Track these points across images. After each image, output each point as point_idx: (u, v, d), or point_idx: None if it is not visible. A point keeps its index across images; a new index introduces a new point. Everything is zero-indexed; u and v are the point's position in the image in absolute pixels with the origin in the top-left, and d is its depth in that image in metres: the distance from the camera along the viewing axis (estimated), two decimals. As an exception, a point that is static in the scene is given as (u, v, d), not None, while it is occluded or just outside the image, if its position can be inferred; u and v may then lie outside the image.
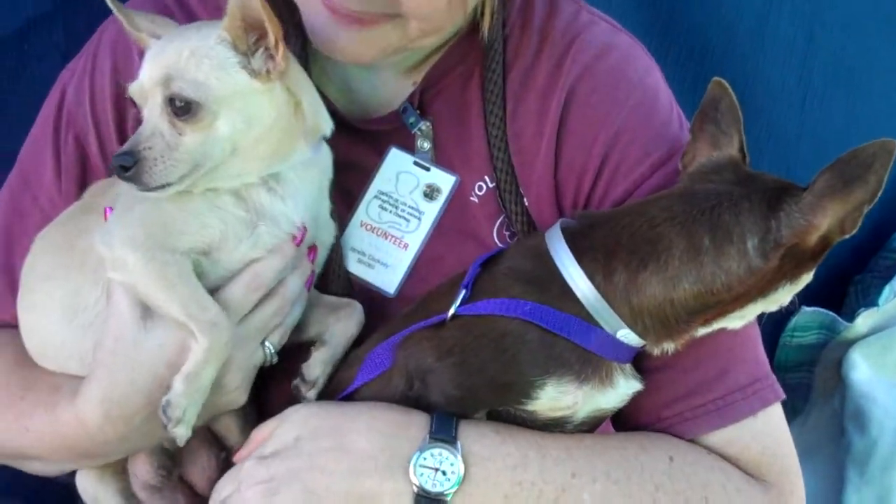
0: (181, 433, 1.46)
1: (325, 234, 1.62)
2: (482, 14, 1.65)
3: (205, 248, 1.49)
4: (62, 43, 2.01)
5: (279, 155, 1.52)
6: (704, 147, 1.53)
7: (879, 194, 1.39)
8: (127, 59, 1.70)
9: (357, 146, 1.68)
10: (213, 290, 1.50)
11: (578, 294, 1.46)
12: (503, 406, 1.49)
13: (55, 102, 1.77)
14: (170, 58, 1.47)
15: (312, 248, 1.59)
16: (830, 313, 2.30)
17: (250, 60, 1.47)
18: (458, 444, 1.44)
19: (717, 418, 1.58)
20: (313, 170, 1.57)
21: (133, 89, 1.50)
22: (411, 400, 1.49)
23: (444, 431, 1.45)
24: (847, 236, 1.43)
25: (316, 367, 1.57)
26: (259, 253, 1.52)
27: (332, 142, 1.62)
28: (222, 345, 1.46)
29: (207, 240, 1.49)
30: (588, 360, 1.46)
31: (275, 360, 1.55)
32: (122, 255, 1.47)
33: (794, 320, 2.32)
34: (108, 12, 1.56)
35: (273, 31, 1.44)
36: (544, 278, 1.48)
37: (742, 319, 1.51)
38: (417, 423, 1.46)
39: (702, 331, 1.50)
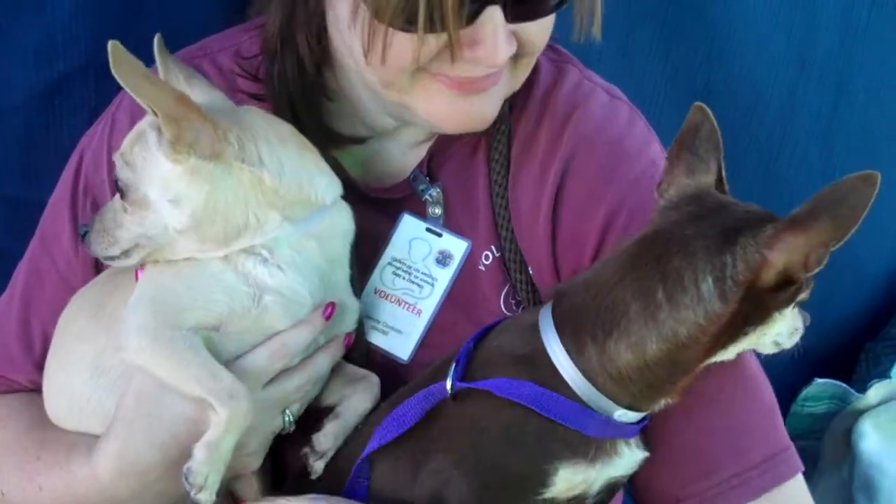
0: (204, 499, 1.46)
1: (348, 305, 1.62)
2: None
3: (214, 322, 1.50)
4: (92, 99, 2.03)
5: (240, 231, 1.51)
6: (680, 176, 1.47)
7: (853, 229, 1.27)
8: None
9: (370, 214, 1.69)
10: (233, 360, 1.51)
11: (566, 377, 1.42)
12: (524, 499, 1.46)
13: (74, 167, 1.80)
14: (129, 136, 1.52)
15: (349, 335, 1.60)
16: (842, 385, 2.31)
17: (166, 139, 1.46)
18: None
19: (734, 497, 1.58)
20: (310, 241, 1.55)
21: (114, 157, 1.54)
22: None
23: None
24: (811, 273, 1.33)
25: (327, 439, 1.57)
26: (277, 323, 1.53)
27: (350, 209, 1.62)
28: (242, 414, 1.46)
29: (216, 314, 1.50)
30: (594, 440, 1.44)
31: (293, 428, 1.57)
32: (131, 341, 1.49)
33: (806, 390, 2.33)
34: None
35: (149, 104, 1.44)
36: (535, 357, 1.45)
37: (730, 353, 1.45)
38: None
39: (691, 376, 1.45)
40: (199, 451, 1.46)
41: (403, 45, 1.46)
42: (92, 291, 1.67)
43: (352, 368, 1.64)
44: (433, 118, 1.59)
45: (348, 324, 1.62)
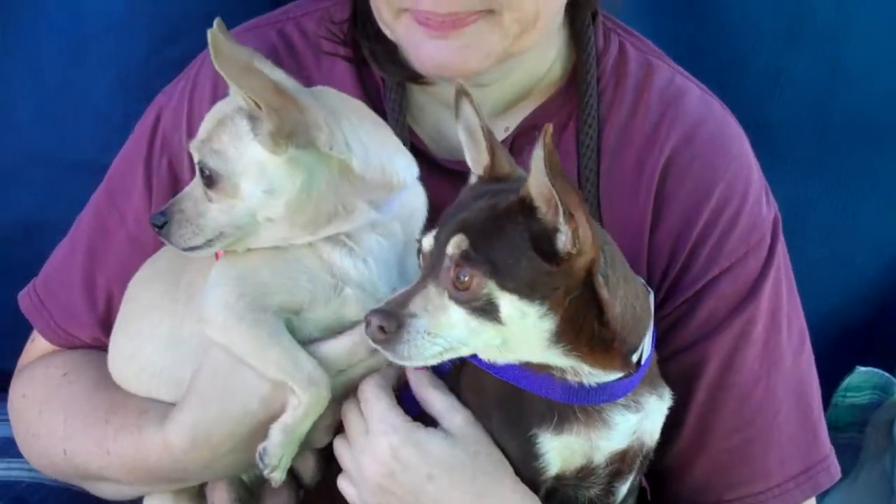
0: (277, 478, 1.50)
1: None
2: (577, 59, 1.70)
3: (296, 308, 1.52)
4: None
5: (329, 218, 1.52)
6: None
7: None
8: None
9: (445, 189, 1.67)
10: (309, 344, 1.52)
11: None
12: (532, 476, 1.48)
13: (150, 123, 1.79)
14: (209, 122, 1.51)
15: None
16: (885, 374, 2.31)
17: (267, 130, 1.46)
18: None
19: None
20: (393, 224, 1.56)
21: (190, 146, 1.53)
22: None
23: None
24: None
25: None
26: (353, 314, 1.53)
27: (422, 184, 1.64)
28: (321, 401, 1.49)
29: (298, 300, 1.51)
30: (557, 406, 1.44)
31: None
32: (216, 317, 1.51)
33: (848, 380, 2.33)
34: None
35: (249, 96, 1.44)
36: None
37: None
38: None
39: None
40: (275, 433, 1.49)
41: None
42: (164, 260, 1.68)
43: None
44: (413, 57, 1.61)
45: None
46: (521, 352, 1.41)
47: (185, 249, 1.53)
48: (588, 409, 1.45)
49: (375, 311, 1.36)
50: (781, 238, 1.74)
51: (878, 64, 2.32)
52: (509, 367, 1.44)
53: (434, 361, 1.39)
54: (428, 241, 1.40)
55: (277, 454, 1.49)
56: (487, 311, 1.34)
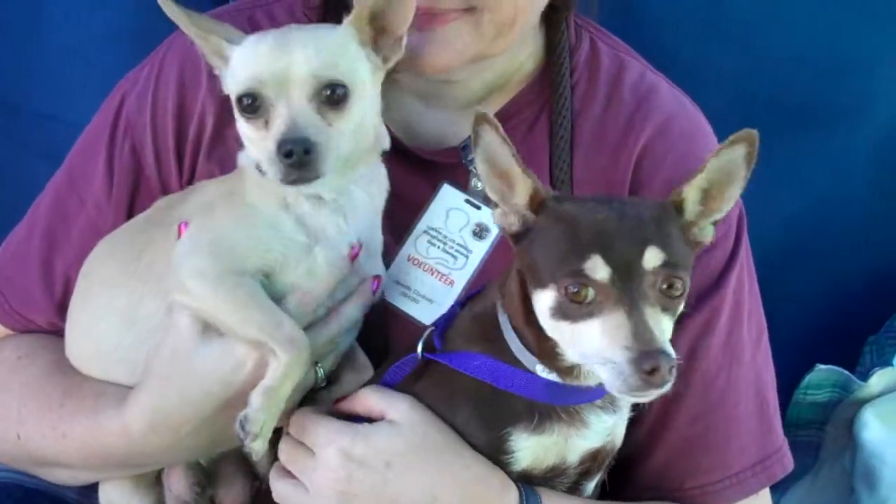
0: (258, 447, 1.48)
1: (378, 266, 1.63)
2: (550, 54, 1.71)
3: (268, 270, 1.52)
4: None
5: (363, 157, 1.56)
6: None
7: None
8: (195, 72, 1.71)
9: (411, 177, 1.71)
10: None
11: (504, 333, 1.47)
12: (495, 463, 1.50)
13: (114, 107, 1.77)
14: (307, 46, 1.48)
15: (377, 278, 1.61)
16: (844, 372, 2.32)
17: (371, 54, 1.52)
18: None
19: (732, 493, 1.71)
20: (373, 185, 1.60)
21: (264, 78, 1.46)
22: None
23: None
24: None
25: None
26: (322, 273, 1.54)
27: (390, 171, 1.65)
28: (302, 358, 1.48)
29: (271, 262, 1.51)
30: (538, 406, 1.46)
31: (324, 383, 1.57)
32: (192, 284, 1.50)
33: (808, 378, 2.34)
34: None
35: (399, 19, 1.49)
36: (486, 314, 1.50)
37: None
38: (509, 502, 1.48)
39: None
40: (256, 398, 1.47)
41: None
42: (123, 239, 1.66)
43: (358, 355, 1.65)
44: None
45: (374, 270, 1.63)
46: None
47: (311, 180, 1.46)
48: (569, 409, 1.47)
49: (657, 355, 1.27)
50: (746, 233, 1.78)
51: (796, 52, 2.34)
52: (487, 368, 1.46)
53: None
54: (601, 270, 1.31)
55: (259, 420, 1.47)
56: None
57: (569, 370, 1.43)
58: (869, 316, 2.49)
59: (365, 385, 1.58)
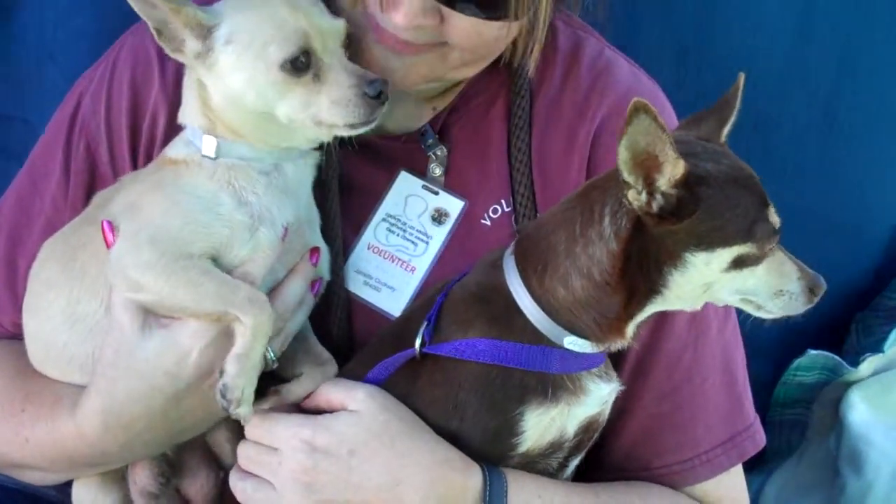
0: (244, 412, 1.49)
1: (316, 239, 1.63)
2: (514, 43, 1.68)
3: (214, 252, 1.52)
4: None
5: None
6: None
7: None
8: (147, 71, 1.71)
9: (367, 167, 1.70)
10: None
11: (522, 306, 1.47)
12: (502, 456, 1.51)
13: (70, 108, 1.78)
14: (315, 4, 1.54)
15: (315, 250, 1.60)
16: (835, 357, 2.29)
17: None
18: None
19: (702, 472, 1.70)
20: (310, 158, 1.61)
21: (312, 36, 1.51)
22: None
23: (497, 500, 1.49)
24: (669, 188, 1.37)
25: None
26: (266, 247, 1.54)
27: (344, 161, 1.64)
28: (266, 319, 1.48)
29: (215, 244, 1.51)
30: (550, 378, 1.47)
31: (275, 365, 1.56)
32: (140, 278, 1.49)
33: (798, 361, 2.32)
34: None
35: None
36: (498, 300, 1.49)
37: (677, 302, 1.48)
38: (473, 488, 1.49)
39: (638, 319, 1.49)
40: (230, 366, 1.48)
41: None
42: (59, 241, 1.67)
43: (319, 350, 1.64)
44: (362, 59, 1.61)
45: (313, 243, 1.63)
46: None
47: (373, 122, 1.55)
48: (573, 377, 1.49)
49: (818, 277, 1.50)
50: None
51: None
52: (495, 350, 1.47)
53: None
54: (775, 218, 1.46)
55: (238, 386, 1.47)
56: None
57: (621, 334, 1.47)
58: (857, 293, 2.46)
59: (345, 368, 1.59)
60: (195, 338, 1.49)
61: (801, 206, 2.32)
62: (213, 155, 1.55)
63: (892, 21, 2.26)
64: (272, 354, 1.54)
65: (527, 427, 1.48)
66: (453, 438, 1.51)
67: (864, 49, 2.26)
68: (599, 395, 1.52)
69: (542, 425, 1.49)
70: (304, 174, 1.60)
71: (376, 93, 1.51)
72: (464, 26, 1.54)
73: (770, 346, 2.38)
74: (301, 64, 1.50)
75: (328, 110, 1.51)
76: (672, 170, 1.36)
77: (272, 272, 1.55)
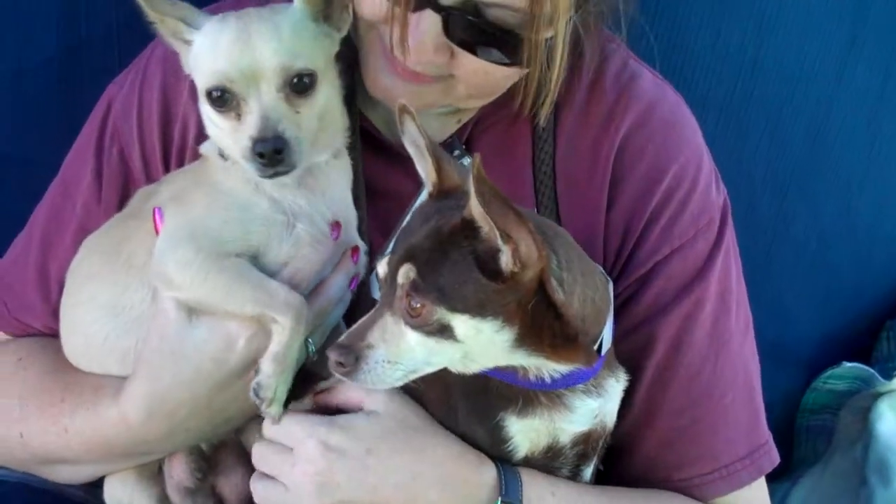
0: (274, 412, 1.50)
1: (355, 237, 1.64)
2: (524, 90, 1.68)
3: (253, 251, 1.53)
4: (116, 67, 1.95)
5: (334, 137, 1.58)
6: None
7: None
8: (177, 76, 1.71)
9: (396, 173, 1.71)
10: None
11: None
12: (501, 456, 1.51)
13: (101, 114, 1.79)
14: (271, 39, 1.48)
15: (355, 249, 1.61)
16: (870, 369, 2.30)
17: (325, 26, 1.52)
18: None
19: (721, 486, 1.70)
20: (343, 160, 1.61)
21: (232, 75, 1.47)
22: None
23: (512, 495, 1.50)
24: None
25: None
26: (306, 246, 1.55)
27: (372, 167, 1.66)
28: (302, 320, 1.49)
29: (254, 243, 1.53)
30: (521, 391, 1.47)
31: (316, 357, 1.57)
32: (179, 276, 1.50)
33: (832, 370, 2.34)
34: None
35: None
36: None
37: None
38: (488, 484, 1.50)
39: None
40: (266, 365, 1.49)
41: None
42: (103, 234, 1.68)
43: None
44: (368, 77, 1.63)
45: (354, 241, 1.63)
46: (486, 361, 1.42)
47: (291, 171, 1.50)
48: (550, 393, 1.47)
49: (334, 347, 1.39)
50: (730, 223, 1.76)
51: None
52: None
53: (399, 384, 1.41)
54: (382, 268, 1.42)
55: (272, 385, 1.49)
56: (443, 332, 1.36)
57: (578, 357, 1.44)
58: (886, 300, 2.45)
59: None
60: (242, 326, 1.50)
61: (840, 214, 2.35)
62: (217, 156, 1.57)
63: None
64: (312, 347, 1.56)
65: (512, 434, 1.49)
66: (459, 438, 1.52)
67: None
68: (587, 410, 1.51)
69: (527, 434, 1.50)
70: (336, 174, 1.60)
71: (258, 153, 1.45)
72: (473, 67, 1.55)
73: (801, 354, 2.40)
74: (218, 100, 1.49)
75: (237, 154, 1.50)
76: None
77: (318, 272, 1.56)
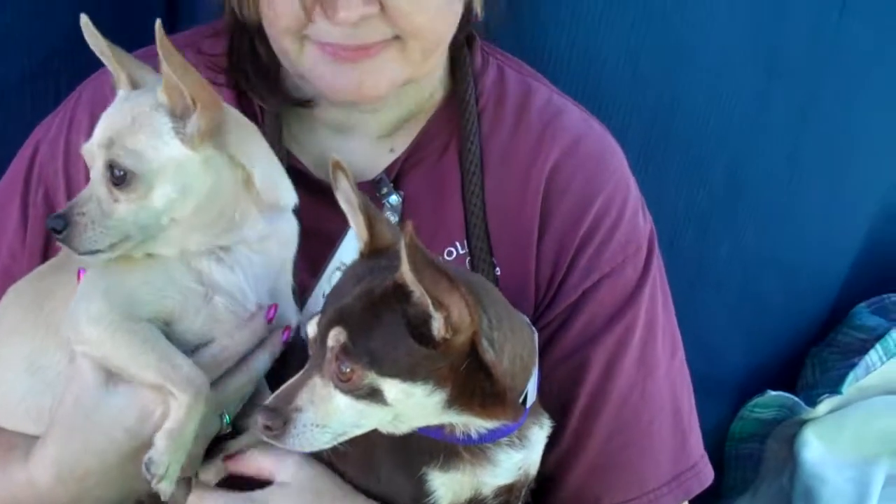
0: (165, 489, 1.46)
1: (289, 312, 1.62)
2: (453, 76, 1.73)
3: (166, 317, 1.51)
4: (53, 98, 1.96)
5: (225, 226, 1.53)
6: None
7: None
8: None
9: (325, 212, 1.67)
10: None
11: None
12: None
13: (27, 156, 1.77)
14: (115, 121, 1.48)
15: (287, 328, 1.60)
16: (793, 397, 2.32)
17: (185, 126, 1.47)
18: None
19: None
20: (269, 242, 1.57)
21: (84, 149, 1.50)
22: None
23: None
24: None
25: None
26: (225, 320, 1.53)
27: (302, 206, 1.64)
28: (202, 400, 1.47)
29: (168, 309, 1.51)
30: (442, 445, 1.46)
31: (229, 429, 1.56)
32: (89, 331, 1.48)
33: (758, 399, 2.36)
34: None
35: (189, 92, 1.45)
36: None
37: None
38: None
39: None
40: (160, 441, 1.46)
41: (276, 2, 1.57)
42: (26, 287, 1.65)
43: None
44: (321, 85, 1.64)
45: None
46: (416, 422, 1.42)
47: (86, 253, 1.48)
48: (473, 448, 1.47)
49: (262, 410, 1.37)
50: (657, 250, 1.81)
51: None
52: None
53: (328, 446, 1.39)
54: (312, 329, 1.40)
55: (164, 462, 1.45)
56: (374, 396, 1.35)
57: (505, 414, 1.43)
58: (811, 329, 2.49)
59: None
60: (159, 398, 1.48)
61: (763, 246, 2.38)
62: None
63: (857, 54, 2.29)
64: (227, 419, 1.54)
65: (435, 487, 1.48)
66: (378, 499, 1.50)
67: (825, 98, 2.28)
68: (511, 464, 1.51)
69: (450, 488, 1.49)
70: (263, 256, 1.57)
71: (49, 227, 1.46)
72: (406, 5, 1.55)
73: (728, 383, 2.42)
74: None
75: None
76: None
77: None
